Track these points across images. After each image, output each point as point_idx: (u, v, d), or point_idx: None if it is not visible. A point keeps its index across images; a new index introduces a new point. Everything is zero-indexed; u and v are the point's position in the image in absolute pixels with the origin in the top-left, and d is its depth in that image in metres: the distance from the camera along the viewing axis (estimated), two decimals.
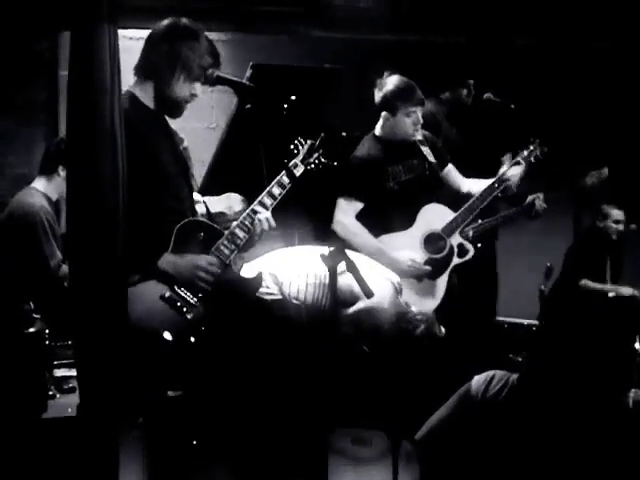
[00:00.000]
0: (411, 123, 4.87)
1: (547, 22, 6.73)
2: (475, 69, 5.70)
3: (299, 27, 6.43)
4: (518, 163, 5.13)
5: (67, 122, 2.94)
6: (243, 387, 3.90)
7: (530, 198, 5.10)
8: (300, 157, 3.82)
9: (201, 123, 6.24)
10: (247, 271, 4.13)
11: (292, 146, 3.89)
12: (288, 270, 4.13)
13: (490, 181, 5.00)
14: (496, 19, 6.63)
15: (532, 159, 5.16)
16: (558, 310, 3.41)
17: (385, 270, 4.31)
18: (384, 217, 4.85)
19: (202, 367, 3.33)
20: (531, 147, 5.17)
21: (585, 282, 6.38)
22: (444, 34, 6.60)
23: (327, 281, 3.96)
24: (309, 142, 3.89)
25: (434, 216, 4.95)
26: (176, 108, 3.49)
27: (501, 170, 5.11)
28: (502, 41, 6.63)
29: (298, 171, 3.77)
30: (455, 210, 4.94)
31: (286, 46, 6.25)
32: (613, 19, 6.74)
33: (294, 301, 4.07)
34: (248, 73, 4.73)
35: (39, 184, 4.98)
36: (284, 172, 3.74)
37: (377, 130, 4.98)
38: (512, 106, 5.47)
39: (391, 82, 4.89)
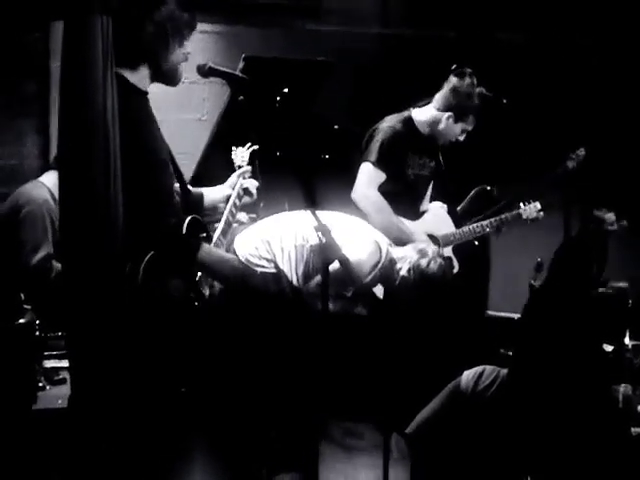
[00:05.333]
0: (460, 131, 4.90)
1: (536, 18, 6.74)
2: (467, 63, 5.70)
3: (292, 20, 6.41)
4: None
5: (59, 115, 2.92)
6: (234, 376, 3.90)
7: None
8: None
9: (193, 115, 6.23)
10: (241, 241, 4.16)
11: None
12: (280, 236, 4.12)
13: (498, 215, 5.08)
14: (485, 13, 6.63)
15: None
16: (546, 306, 3.42)
17: (373, 232, 4.30)
18: (395, 200, 4.77)
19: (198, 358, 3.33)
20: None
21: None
22: (436, 28, 6.59)
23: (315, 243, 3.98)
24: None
25: (438, 220, 4.97)
26: (176, 75, 3.37)
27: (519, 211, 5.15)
28: (491, 36, 6.63)
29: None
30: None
31: (279, 38, 6.23)
32: (598, 15, 6.75)
33: (286, 268, 4.06)
34: (241, 65, 4.73)
35: (47, 179, 4.93)
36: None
37: (416, 114, 4.93)
38: (504, 101, 5.48)
39: (469, 86, 4.87)
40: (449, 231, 4.98)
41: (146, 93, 3.32)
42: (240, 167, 4.25)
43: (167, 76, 3.35)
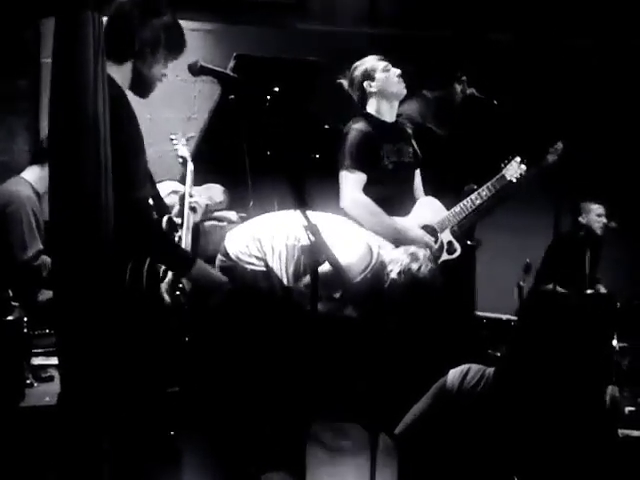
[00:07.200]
0: (394, 76, 4.86)
1: (528, 18, 6.76)
2: (460, 64, 5.71)
3: (284, 19, 6.41)
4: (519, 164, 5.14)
5: (49, 111, 2.92)
6: (225, 373, 3.90)
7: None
8: None
9: (183, 113, 6.22)
10: (232, 238, 4.16)
11: None
12: (271, 235, 4.12)
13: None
14: (477, 14, 6.64)
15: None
16: (536, 307, 3.42)
17: (364, 234, 4.30)
18: (382, 196, 4.73)
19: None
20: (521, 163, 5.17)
21: (555, 288, 6.30)
22: (427, 28, 6.60)
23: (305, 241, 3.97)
24: None
25: (430, 209, 4.95)
26: (150, 88, 3.41)
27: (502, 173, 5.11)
28: (484, 36, 6.65)
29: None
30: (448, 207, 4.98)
31: (270, 38, 6.23)
32: (592, 16, 6.77)
33: (276, 266, 4.06)
34: (232, 63, 4.73)
35: (28, 174, 4.94)
36: None
37: (367, 108, 4.92)
38: (495, 102, 5.50)
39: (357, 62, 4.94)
40: (443, 216, 4.96)
41: (124, 92, 3.33)
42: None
43: (144, 84, 3.38)
